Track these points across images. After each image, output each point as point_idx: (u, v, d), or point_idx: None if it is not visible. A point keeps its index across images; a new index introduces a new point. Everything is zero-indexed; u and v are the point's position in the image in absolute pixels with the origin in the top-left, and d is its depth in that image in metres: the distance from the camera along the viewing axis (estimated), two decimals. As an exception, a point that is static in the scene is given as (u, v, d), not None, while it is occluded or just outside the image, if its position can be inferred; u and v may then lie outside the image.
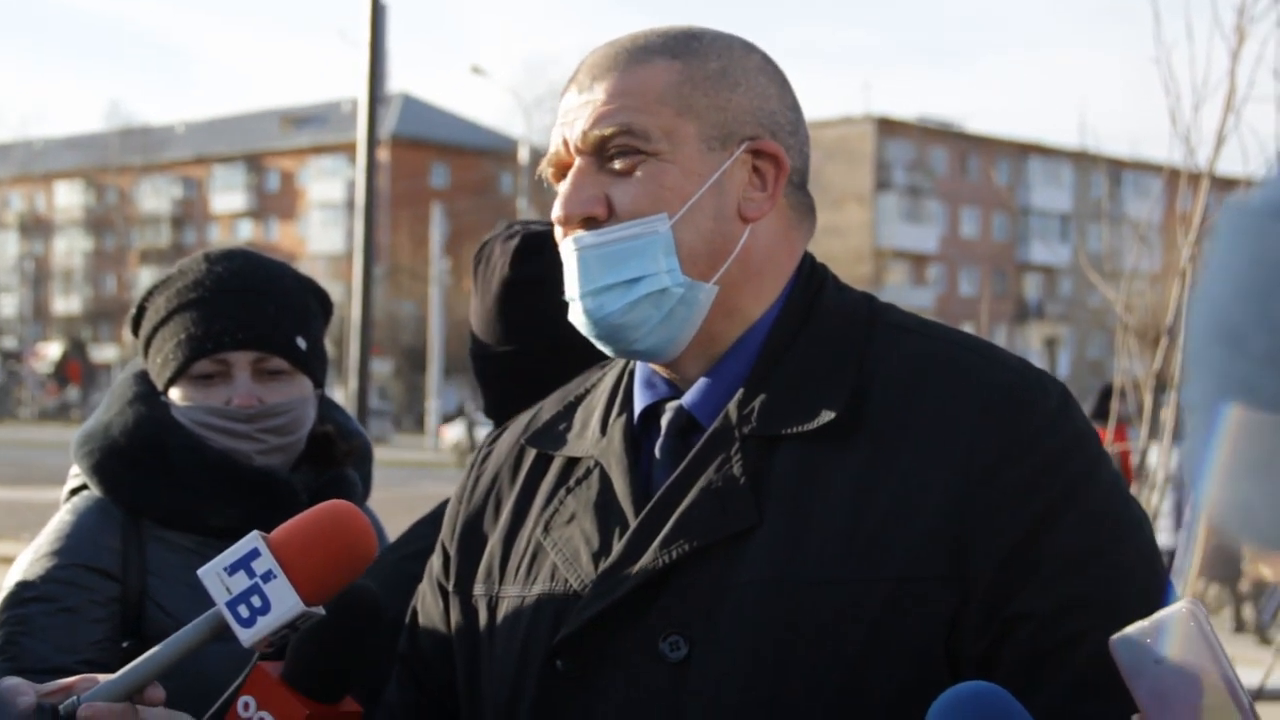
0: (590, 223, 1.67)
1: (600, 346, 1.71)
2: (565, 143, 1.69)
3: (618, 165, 1.66)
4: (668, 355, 1.70)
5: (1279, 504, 0.88)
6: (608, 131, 1.66)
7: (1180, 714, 1.31)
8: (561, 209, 1.67)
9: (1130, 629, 1.34)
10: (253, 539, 1.65)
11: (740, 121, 1.69)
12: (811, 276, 1.74)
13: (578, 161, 1.68)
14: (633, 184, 1.66)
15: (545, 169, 1.73)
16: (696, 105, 1.67)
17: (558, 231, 1.72)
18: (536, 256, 2.19)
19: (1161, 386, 4.35)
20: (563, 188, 1.69)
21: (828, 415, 1.61)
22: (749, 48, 1.74)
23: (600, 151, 1.67)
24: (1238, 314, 0.91)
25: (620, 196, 1.66)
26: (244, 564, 1.64)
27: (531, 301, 2.18)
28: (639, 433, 1.74)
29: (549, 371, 1.99)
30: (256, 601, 1.63)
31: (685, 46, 1.70)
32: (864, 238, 68.69)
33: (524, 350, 2.22)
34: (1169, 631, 1.33)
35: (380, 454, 2.87)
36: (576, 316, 1.69)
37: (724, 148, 1.68)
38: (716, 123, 1.68)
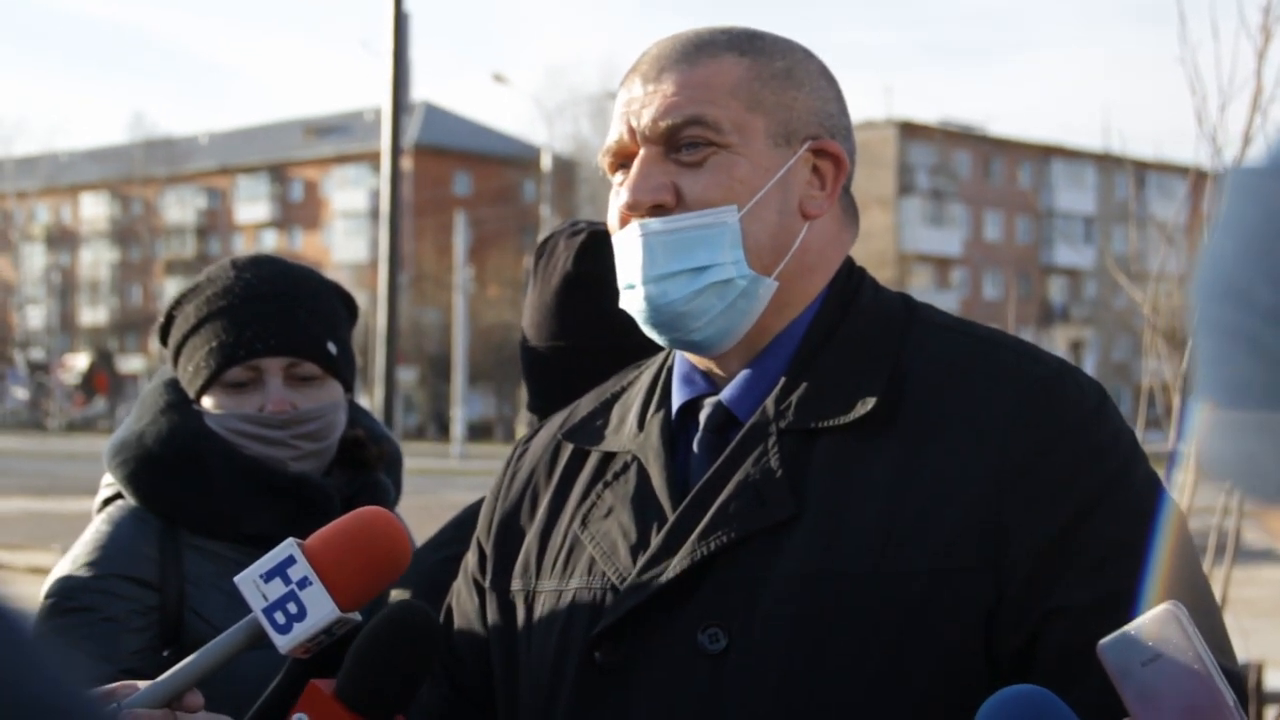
0: (657, 210, 1.68)
1: (653, 335, 1.72)
2: (631, 131, 1.71)
3: (686, 156, 1.68)
4: (721, 348, 1.71)
5: None
6: (679, 121, 1.68)
7: (1167, 715, 1.34)
8: (630, 194, 1.68)
9: (1116, 632, 1.37)
10: (288, 546, 1.66)
11: (804, 121, 1.72)
12: (850, 276, 1.76)
13: (644, 150, 1.70)
14: (703, 174, 1.67)
15: (603, 159, 1.75)
16: (765, 101, 1.70)
17: (613, 220, 1.73)
18: (600, 254, 2.16)
19: (1190, 388, 4.33)
20: (630, 175, 1.70)
21: (864, 408, 1.63)
22: (809, 53, 1.78)
23: (669, 141, 1.69)
24: (1244, 270, 0.92)
25: (690, 186, 1.67)
26: (280, 571, 1.65)
27: (592, 298, 2.18)
28: (676, 428, 1.75)
29: (601, 369, 1.99)
30: (293, 608, 1.64)
31: (751, 44, 1.73)
32: (887, 242, 68.57)
33: (579, 347, 2.22)
34: (1154, 634, 1.36)
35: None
36: (634, 302, 1.70)
37: (789, 145, 1.71)
38: (783, 120, 1.70)
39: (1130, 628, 1.37)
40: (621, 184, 1.72)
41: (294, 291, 2.55)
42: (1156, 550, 1.58)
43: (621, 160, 1.73)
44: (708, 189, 1.67)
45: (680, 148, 1.68)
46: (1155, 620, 1.36)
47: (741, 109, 1.69)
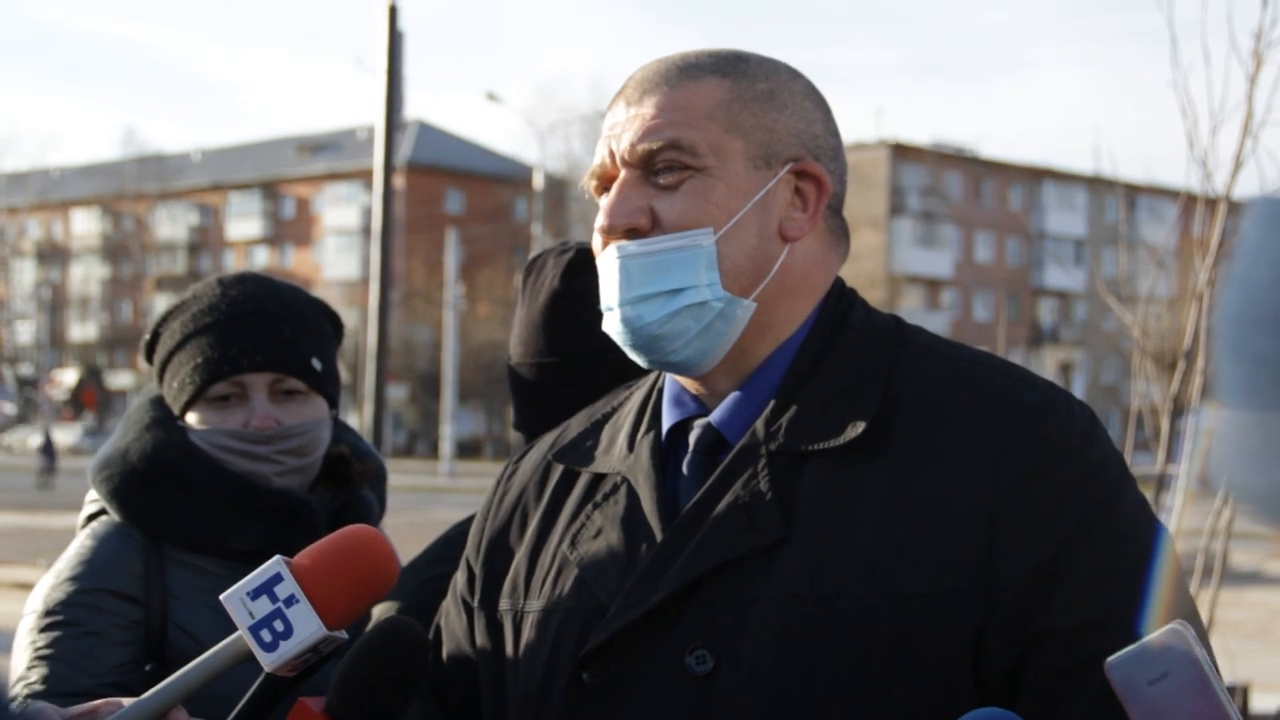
0: (633, 233, 1.69)
1: (634, 356, 1.72)
2: (611, 155, 1.72)
3: (664, 179, 1.68)
4: (701, 369, 1.71)
5: None
6: (656, 145, 1.68)
7: None
8: (606, 218, 1.69)
9: (1124, 651, 1.37)
10: (275, 564, 1.65)
11: (785, 143, 1.71)
12: (841, 298, 1.76)
13: (623, 173, 1.70)
14: (679, 197, 1.68)
15: (588, 182, 1.76)
16: (744, 124, 1.70)
17: (596, 242, 1.74)
18: (588, 271, 2.16)
19: (1179, 411, 4.34)
20: (608, 198, 1.71)
21: (855, 431, 1.62)
22: (795, 73, 1.77)
23: (647, 165, 1.69)
24: (1276, 300, 0.92)
25: (666, 209, 1.68)
26: (267, 589, 1.64)
27: (578, 314, 2.19)
28: (666, 449, 1.75)
29: (586, 385, 1.99)
30: (279, 626, 1.63)
31: (734, 67, 1.73)
32: (878, 263, 68.72)
33: (564, 363, 2.23)
34: (1162, 652, 1.35)
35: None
36: (613, 325, 1.71)
37: (769, 167, 1.70)
38: (762, 142, 1.70)
39: (1138, 646, 1.36)
40: None
41: (278, 308, 2.55)
42: (1151, 572, 1.58)
43: (605, 183, 1.74)
44: (683, 212, 1.67)
45: (658, 171, 1.69)
46: (1163, 639, 1.36)
47: (719, 131, 1.69)
